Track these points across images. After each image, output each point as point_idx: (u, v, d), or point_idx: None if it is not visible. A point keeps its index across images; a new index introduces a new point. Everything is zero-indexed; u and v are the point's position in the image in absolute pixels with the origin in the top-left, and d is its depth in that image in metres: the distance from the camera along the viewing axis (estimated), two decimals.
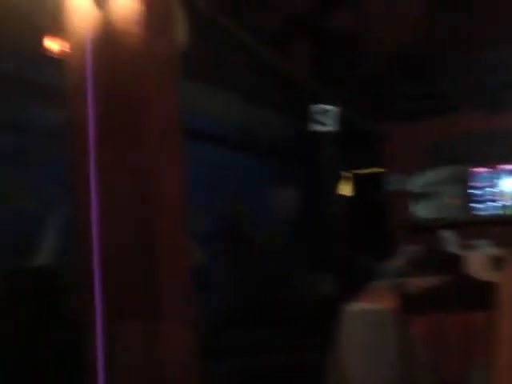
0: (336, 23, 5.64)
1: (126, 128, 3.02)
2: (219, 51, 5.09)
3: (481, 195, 7.99)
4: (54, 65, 3.35)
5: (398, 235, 7.62)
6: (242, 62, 5.58)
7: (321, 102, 6.60)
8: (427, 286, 3.24)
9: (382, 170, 8.27)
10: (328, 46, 6.04)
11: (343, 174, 8.15)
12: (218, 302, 5.59)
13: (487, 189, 7.97)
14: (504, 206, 7.92)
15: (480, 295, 2.98)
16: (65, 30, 3.18)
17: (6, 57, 3.86)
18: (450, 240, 5.54)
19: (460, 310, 3.11)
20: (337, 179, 7.90)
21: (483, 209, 7.96)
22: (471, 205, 7.98)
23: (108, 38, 3.04)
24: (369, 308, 3.46)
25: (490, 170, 7.96)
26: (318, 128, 6.60)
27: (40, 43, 3.62)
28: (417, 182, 8.06)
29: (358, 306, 3.50)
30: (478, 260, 4.34)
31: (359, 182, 8.42)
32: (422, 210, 8.06)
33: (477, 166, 7.96)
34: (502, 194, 7.94)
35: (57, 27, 3.23)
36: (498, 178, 7.95)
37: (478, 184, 7.98)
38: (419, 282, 3.44)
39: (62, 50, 3.33)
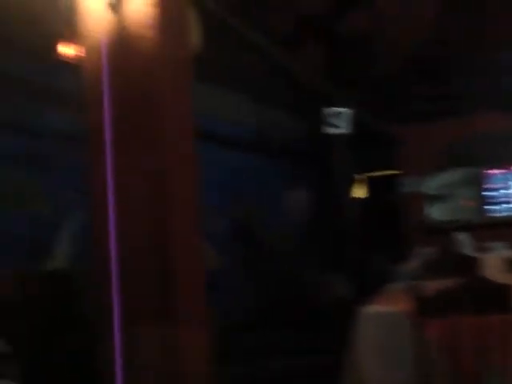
0: (351, 24, 5.63)
1: (140, 131, 3.04)
2: (231, 53, 5.09)
3: (495, 197, 7.93)
4: (69, 69, 3.38)
5: (413, 237, 7.58)
6: (254, 64, 5.59)
7: (334, 104, 6.58)
8: (442, 288, 3.23)
9: (397, 172, 8.24)
10: (341, 47, 6.03)
11: (357, 176, 8.12)
12: (230, 303, 5.59)
13: (502, 190, 7.91)
14: None
15: (495, 297, 2.97)
16: (80, 35, 3.21)
17: (22, 62, 3.89)
18: (464, 242, 5.52)
19: (475, 312, 3.09)
20: (350, 181, 7.88)
21: (498, 210, 7.90)
22: (486, 207, 7.93)
23: (122, 41, 3.06)
24: (384, 310, 3.45)
25: (505, 171, 7.90)
26: (332, 130, 6.58)
27: (55, 48, 3.65)
28: (431, 184, 8.01)
29: (373, 309, 3.49)
30: (493, 262, 4.32)
31: (373, 184, 8.39)
32: (436, 212, 8.02)
33: (491, 168, 7.91)
34: None
35: (72, 32, 3.26)
36: None
37: (492, 186, 7.93)
38: (434, 285, 3.43)
39: (77, 55, 3.36)
